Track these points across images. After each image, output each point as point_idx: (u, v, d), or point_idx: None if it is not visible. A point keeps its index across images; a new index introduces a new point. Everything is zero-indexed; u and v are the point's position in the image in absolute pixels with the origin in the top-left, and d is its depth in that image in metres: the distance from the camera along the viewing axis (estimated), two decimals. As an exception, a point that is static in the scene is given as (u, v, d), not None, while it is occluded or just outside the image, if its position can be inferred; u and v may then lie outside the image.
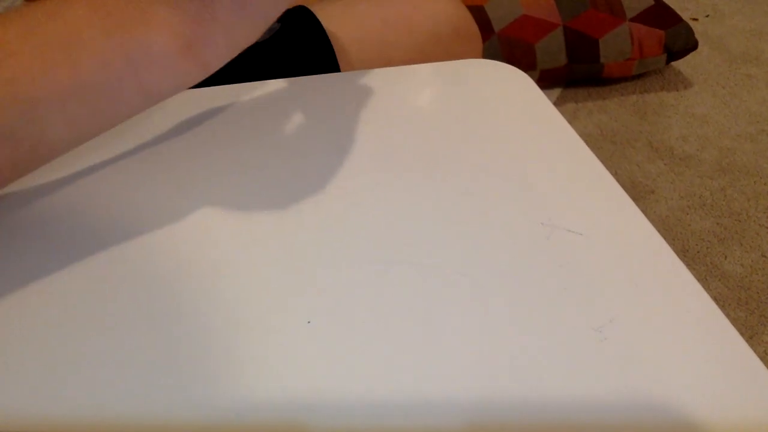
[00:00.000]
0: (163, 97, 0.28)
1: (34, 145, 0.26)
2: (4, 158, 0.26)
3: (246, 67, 0.56)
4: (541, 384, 0.22)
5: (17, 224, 0.31)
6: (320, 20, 0.57)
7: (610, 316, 0.24)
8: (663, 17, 1.41)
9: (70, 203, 0.32)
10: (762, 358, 0.22)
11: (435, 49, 0.57)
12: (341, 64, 0.56)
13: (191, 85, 0.29)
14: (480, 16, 1.39)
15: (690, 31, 1.42)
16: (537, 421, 0.21)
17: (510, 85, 0.39)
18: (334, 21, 0.57)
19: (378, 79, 0.41)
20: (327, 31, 0.56)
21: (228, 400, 0.23)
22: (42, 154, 0.27)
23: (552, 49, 1.40)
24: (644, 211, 0.30)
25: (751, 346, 0.23)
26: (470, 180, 0.31)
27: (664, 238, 0.27)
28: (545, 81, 1.45)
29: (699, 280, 0.26)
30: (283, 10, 0.29)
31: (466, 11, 0.60)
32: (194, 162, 0.34)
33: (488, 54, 1.35)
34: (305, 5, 0.59)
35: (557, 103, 1.46)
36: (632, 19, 1.39)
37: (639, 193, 1.23)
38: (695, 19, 1.74)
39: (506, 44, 1.39)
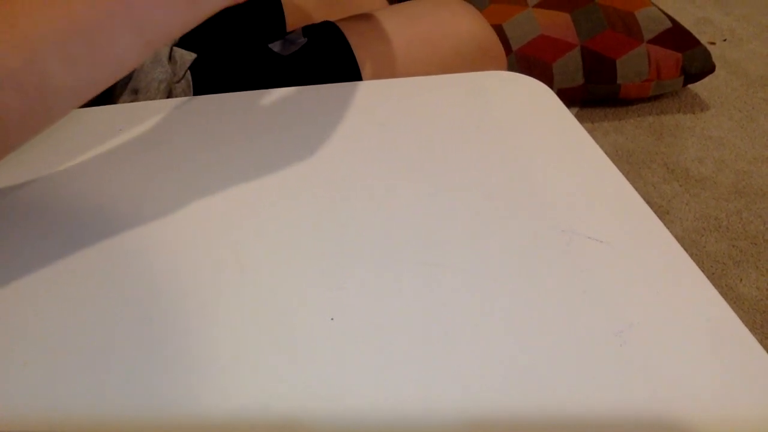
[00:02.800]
0: (158, 40, 0.28)
1: (40, 93, 0.27)
2: (13, 109, 0.26)
3: (272, 79, 0.57)
4: (561, 386, 0.23)
5: (20, 223, 0.33)
6: (346, 36, 0.58)
7: (630, 321, 0.25)
8: (681, 40, 1.42)
9: (90, 201, 0.34)
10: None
11: (459, 67, 0.59)
12: (365, 80, 0.57)
13: (185, 30, 0.29)
14: (498, 34, 1.41)
15: (707, 55, 1.42)
16: (558, 422, 0.22)
17: (531, 97, 0.40)
18: (359, 37, 0.58)
19: (401, 88, 0.42)
20: (352, 47, 0.58)
21: (246, 397, 0.23)
22: (50, 105, 0.28)
23: (569, 68, 1.41)
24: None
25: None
26: (492, 187, 0.32)
27: (683, 251, 0.28)
28: (562, 100, 1.46)
29: (717, 291, 0.26)
30: None
31: (491, 30, 0.61)
32: (218, 163, 0.36)
33: (506, 72, 1.35)
34: (332, 21, 0.60)
35: (573, 123, 1.46)
36: (650, 41, 1.40)
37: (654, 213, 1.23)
38: (713, 43, 1.74)
39: (524, 63, 1.40)
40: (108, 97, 0.52)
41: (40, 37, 0.25)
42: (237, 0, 0.29)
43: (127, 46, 0.27)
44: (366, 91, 0.42)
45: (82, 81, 0.28)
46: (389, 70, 0.58)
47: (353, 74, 0.57)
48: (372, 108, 0.40)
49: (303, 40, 0.59)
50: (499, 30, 1.43)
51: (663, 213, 1.24)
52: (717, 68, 1.48)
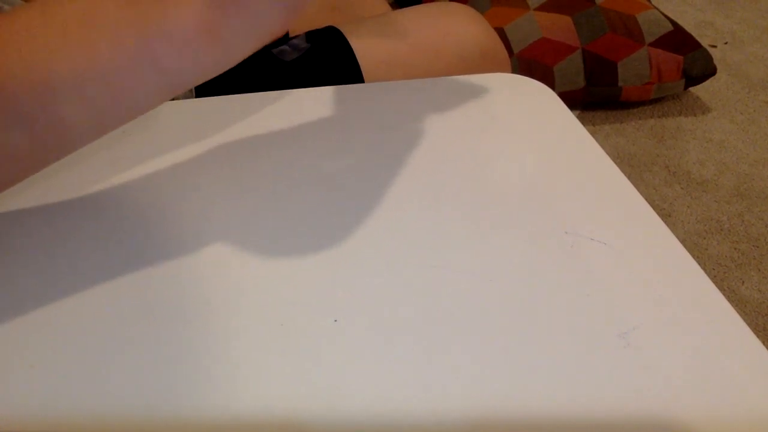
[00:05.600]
0: (184, 83, 0.27)
1: (52, 130, 0.26)
2: (22, 144, 0.25)
3: (274, 84, 0.58)
4: (565, 387, 0.23)
5: (24, 226, 0.33)
6: (349, 41, 0.58)
7: (634, 322, 0.25)
8: (682, 43, 1.42)
9: (93, 204, 0.34)
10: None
11: (463, 72, 0.59)
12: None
13: (214, 74, 0.28)
14: (499, 37, 1.41)
15: (709, 57, 1.42)
16: (562, 423, 0.22)
17: (534, 99, 0.40)
18: (362, 43, 0.58)
19: (404, 90, 0.42)
20: (355, 53, 0.58)
21: (249, 398, 0.23)
22: (62, 141, 0.27)
23: (570, 71, 1.41)
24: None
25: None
26: (495, 189, 0.32)
27: (685, 255, 0.28)
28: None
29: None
30: None
31: (494, 36, 0.62)
32: (220, 165, 0.36)
33: (507, 75, 1.35)
34: (335, 26, 0.61)
35: (575, 126, 1.46)
36: (651, 44, 1.40)
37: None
38: (714, 46, 1.74)
39: (525, 66, 1.41)
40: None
41: (59, 80, 0.24)
42: (261, 44, 0.28)
43: (149, 88, 0.27)
44: (369, 93, 0.42)
45: (99, 121, 0.27)
46: (392, 75, 0.58)
47: (356, 80, 0.57)
48: (375, 110, 0.40)
49: (306, 46, 0.59)
50: (500, 33, 1.43)
51: (665, 216, 1.24)
52: (718, 71, 1.48)
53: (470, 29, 0.60)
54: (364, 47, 0.58)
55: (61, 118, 0.25)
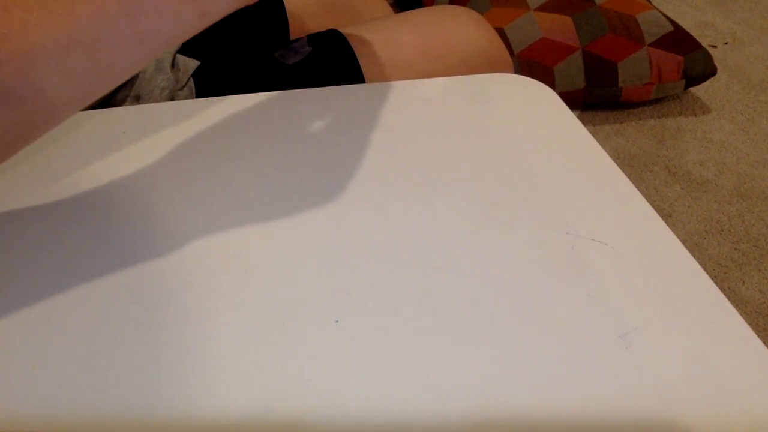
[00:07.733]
0: (161, 47, 0.27)
1: (36, 105, 0.25)
2: (9, 121, 0.25)
3: (276, 88, 0.57)
4: (567, 388, 0.23)
5: (23, 227, 0.33)
6: (351, 45, 0.58)
7: (635, 323, 0.25)
8: (682, 43, 1.42)
9: (93, 205, 0.34)
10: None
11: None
12: (369, 86, 0.57)
13: (190, 36, 0.28)
14: (500, 38, 1.41)
15: (709, 58, 1.42)
16: (564, 424, 0.22)
17: (535, 100, 0.40)
18: (364, 46, 0.58)
19: (405, 90, 0.42)
20: (357, 56, 0.58)
21: (251, 398, 0.24)
22: (45, 115, 0.26)
23: (570, 72, 1.41)
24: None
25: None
26: (496, 190, 0.32)
27: (685, 256, 0.28)
28: (563, 104, 1.46)
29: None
30: None
31: (498, 41, 0.61)
32: (221, 166, 0.36)
33: (507, 76, 1.35)
34: (337, 29, 0.60)
35: (575, 126, 1.46)
36: (651, 44, 1.40)
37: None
38: (714, 46, 1.74)
39: (525, 66, 1.41)
40: (110, 105, 0.52)
41: (38, 51, 0.24)
42: (245, 2, 0.28)
43: (129, 56, 0.27)
44: (370, 93, 0.43)
45: (81, 91, 0.27)
46: (394, 80, 0.58)
47: (358, 83, 0.57)
48: (376, 110, 0.40)
49: (308, 49, 0.59)
50: (500, 33, 1.43)
51: (665, 216, 1.24)
52: (718, 71, 1.48)
53: (473, 34, 0.60)
54: (365, 51, 0.58)
55: (44, 90, 0.25)
